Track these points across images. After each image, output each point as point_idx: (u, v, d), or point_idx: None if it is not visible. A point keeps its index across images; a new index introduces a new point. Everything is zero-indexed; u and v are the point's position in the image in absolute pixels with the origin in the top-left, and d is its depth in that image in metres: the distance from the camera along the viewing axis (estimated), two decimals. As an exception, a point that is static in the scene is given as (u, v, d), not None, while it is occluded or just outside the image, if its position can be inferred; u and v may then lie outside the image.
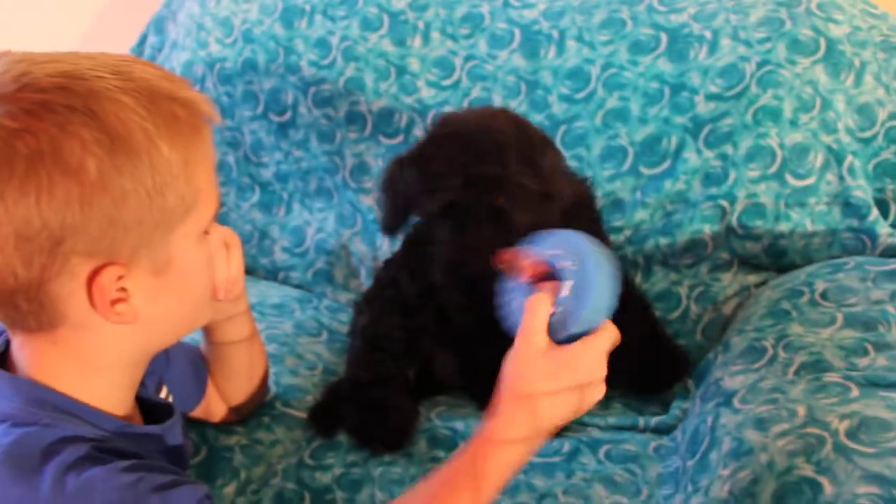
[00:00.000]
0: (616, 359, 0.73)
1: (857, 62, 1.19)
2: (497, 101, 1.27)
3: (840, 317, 1.01)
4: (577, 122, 1.23)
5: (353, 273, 1.37)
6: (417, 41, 1.32)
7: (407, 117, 1.32)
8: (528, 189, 0.95)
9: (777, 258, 1.20)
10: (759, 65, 1.18)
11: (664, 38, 1.21)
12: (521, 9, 1.28)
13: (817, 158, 1.18)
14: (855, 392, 0.88)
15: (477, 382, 1.09)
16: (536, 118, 1.24)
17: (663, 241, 1.21)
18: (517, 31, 1.27)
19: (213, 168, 0.74)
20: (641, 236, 1.22)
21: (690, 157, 1.20)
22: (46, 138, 0.63)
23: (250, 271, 1.43)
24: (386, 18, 1.33)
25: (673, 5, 1.23)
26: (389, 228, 1.08)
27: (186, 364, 1.00)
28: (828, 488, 0.77)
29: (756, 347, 1.01)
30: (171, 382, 0.94)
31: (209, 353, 1.02)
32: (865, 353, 0.94)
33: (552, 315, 0.71)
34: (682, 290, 1.22)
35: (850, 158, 1.18)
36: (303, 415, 1.10)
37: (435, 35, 1.31)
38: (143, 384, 0.81)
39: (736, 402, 0.94)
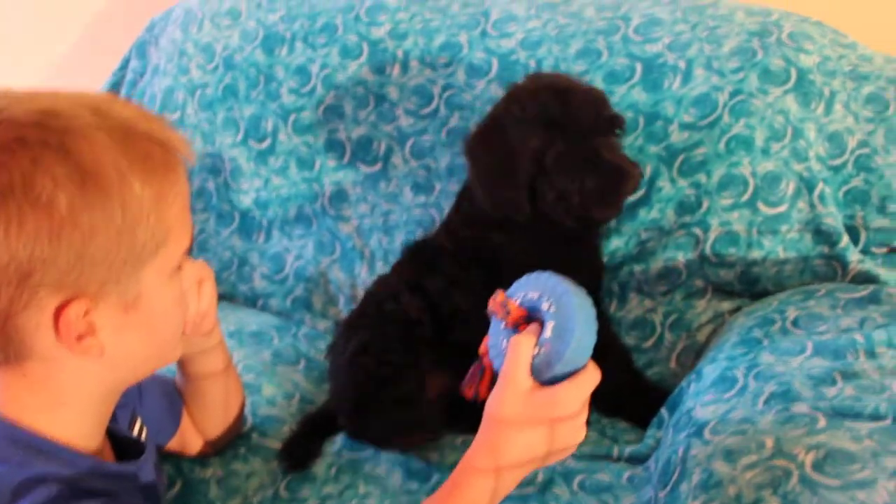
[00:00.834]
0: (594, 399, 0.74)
1: (826, 91, 1.21)
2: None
3: (810, 345, 1.02)
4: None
5: (331, 300, 1.38)
6: (396, 70, 1.33)
7: (385, 145, 1.33)
8: None
9: (750, 285, 1.22)
10: (732, 94, 1.20)
11: (639, 67, 1.23)
12: (498, 38, 1.30)
13: (789, 186, 1.19)
14: (822, 422, 0.89)
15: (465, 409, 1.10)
16: (513, 147, 1.26)
17: (638, 268, 1.23)
18: (495, 61, 1.28)
19: (187, 206, 0.75)
20: (616, 264, 1.24)
21: (664, 186, 1.21)
22: (18, 172, 0.64)
23: (230, 298, 1.44)
24: (365, 46, 1.35)
25: (648, 35, 1.24)
26: (516, 202, 1.06)
27: (160, 396, 1.00)
28: (794, 521, 0.78)
29: (727, 377, 1.02)
30: (144, 415, 0.94)
31: (184, 386, 1.03)
32: (833, 382, 0.95)
33: (535, 356, 0.72)
34: (657, 318, 1.23)
35: (820, 186, 1.20)
36: (279, 445, 1.10)
37: (414, 64, 1.32)
38: (114, 418, 0.82)
39: (706, 433, 0.95)
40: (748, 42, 1.22)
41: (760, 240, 1.20)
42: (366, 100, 1.34)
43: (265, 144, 1.39)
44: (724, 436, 0.93)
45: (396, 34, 1.34)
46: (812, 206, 1.20)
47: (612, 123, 1.09)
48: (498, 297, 0.77)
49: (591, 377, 0.72)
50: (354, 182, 1.35)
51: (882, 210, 1.21)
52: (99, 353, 0.71)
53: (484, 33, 1.30)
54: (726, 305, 1.22)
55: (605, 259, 1.24)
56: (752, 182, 1.19)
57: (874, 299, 1.09)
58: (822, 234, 1.20)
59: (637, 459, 1.07)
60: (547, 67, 1.25)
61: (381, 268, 1.34)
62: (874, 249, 1.22)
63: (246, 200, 1.42)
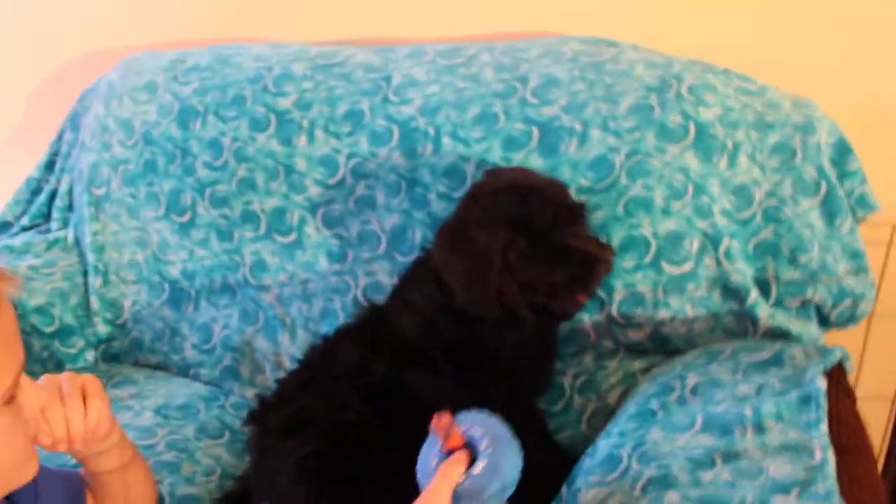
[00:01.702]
0: None
1: (729, 144, 1.18)
2: (380, 199, 1.29)
3: (700, 420, 1.01)
4: (455, 220, 1.24)
5: (258, 368, 1.40)
6: (303, 140, 1.33)
7: (298, 216, 1.34)
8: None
9: (661, 344, 1.21)
10: (629, 155, 1.18)
11: (535, 132, 1.21)
12: (399, 105, 1.29)
13: (693, 244, 1.18)
14: (687, 516, 0.88)
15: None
16: (418, 215, 1.26)
17: (544, 332, 1.22)
18: (395, 128, 1.28)
19: (6, 342, 0.77)
20: (523, 330, 1.23)
21: (566, 250, 1.20)
22: None
23: (164, 368, 1.47)
24: (273, 118, 1.35)
25: (545, 97, 1.23)
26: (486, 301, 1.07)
27: (59, 491, 1.03)
28: None
29: (614, 456, 1.02)
30: None
31: (88, 479, 1.05)
32: (712, 465, 0.95)
33: (459, 484, 0.79)
34: (566, 381, 1.23)
35: (726, 241, 1.18)
36: (194, 527, 1.13)
37: (319, 133, 1.32)
38: None
39: (582, 525, 0.95)
40: (646, 98, 1.20)
41: (667, 299, 1.19)
42: (276, 171, 1.34)
43: (186, 218, 1.41)
44: (595, 529, 0.93)
45: (302, 104, 1.34)
46: (718, 262, 1.18)
47: (574, 212, 1.08)
48: (443, 420, 0.83)
49: None
50: (272, 252, 1.36)
51: (793, 262, 1.19)
52: None
53: (385, 99, 1.30)
54: (637, 365, 1.21)
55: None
56: (653, 243, 1.17)
57: (777, 361, 1.08)
58: (730, 291, 1.18)
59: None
60: (445, 135, 1.25)
61: (303, 335, 1.35)
62: (787, 302, 1.20)
63: (174, 272, 1.45)
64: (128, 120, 1.45)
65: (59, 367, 1.43)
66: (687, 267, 1.18)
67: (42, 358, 1.44)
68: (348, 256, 1.32)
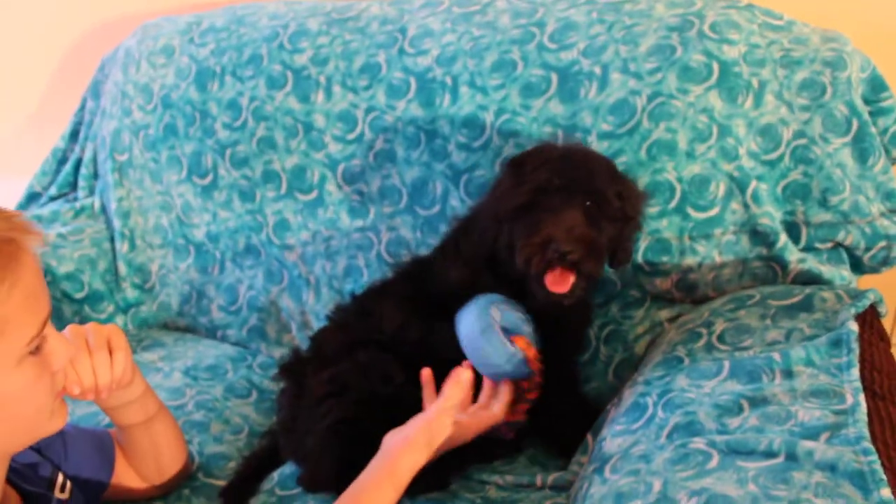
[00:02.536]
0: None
1: (755, 82, 1.14)
2: (400, 152, 1.27)
3: (727, 366, 0.99)
4: (477, 172, 1.22)
5: (284, 328, 1.40)
6: (321, 96, 1.32)
7: (319, 173, 1.33)
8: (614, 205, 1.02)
9: (689, 292, 1.18)
10: (650, 97, 1.14)
11: (554, 78, 1.18)
12: (415, 56, 1.27)
13: (719, 188, 1.14)
14: (714, 462, 0.86)
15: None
16: (438, 167, 1.24)
17: (569, 283, 1.20)
18: (412, 80, 1.26)
19: (33, 293, 0.77)
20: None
21: (589, 198, 1.18)
22: None
23: (192, 330, 1.48)
24: (290, 75, 1.34)
25: (563, 42, 1.20)
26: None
27: (88, 448, 1.04)
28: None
29: (639, 404, 1.00)
30: (72, 470, 0.99)
31: (118, 435, 1.07)
32: (739, 411, 0.92)
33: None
34: (593, 331, 1.21)
35: (754, 184, 1.14)
36: (224, 483, 1.14)
37: (336, 89, 1.31)
38: (27, 477, 0.87)
39: (607, 471, 0.93)
40: (666, 39, 1.16)
41: (694, 245, 1.16)
42: (294, 129, 1.34)
43: (208, 180, 1.41)
44: (620, 475, 0.91)
45: (318, 60, 1.32)
46: (746, 206, 1.15)
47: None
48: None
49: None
50: (294, 211, 1.36)
51: (824, 204, 1.15)
52: None
53: (401, 51, 1.28)
54: (664, 314, 1.19)
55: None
56: (678, 187, 1.14)
57: (806, 306, 1.05)
58: (758, 235, 1.15)
59: (560, 487, 1.07)
60: (463, 84, 1.22)
61: (327, 293, 1.35)
62: (817, 245, 1.17)
63: (198, 234, 1.45)
64: (146, 85, 1.45)
65: (90, 332, 1.45)
66: (714, 211, 1.15)
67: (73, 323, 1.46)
68: (370, 212, 1.32)
